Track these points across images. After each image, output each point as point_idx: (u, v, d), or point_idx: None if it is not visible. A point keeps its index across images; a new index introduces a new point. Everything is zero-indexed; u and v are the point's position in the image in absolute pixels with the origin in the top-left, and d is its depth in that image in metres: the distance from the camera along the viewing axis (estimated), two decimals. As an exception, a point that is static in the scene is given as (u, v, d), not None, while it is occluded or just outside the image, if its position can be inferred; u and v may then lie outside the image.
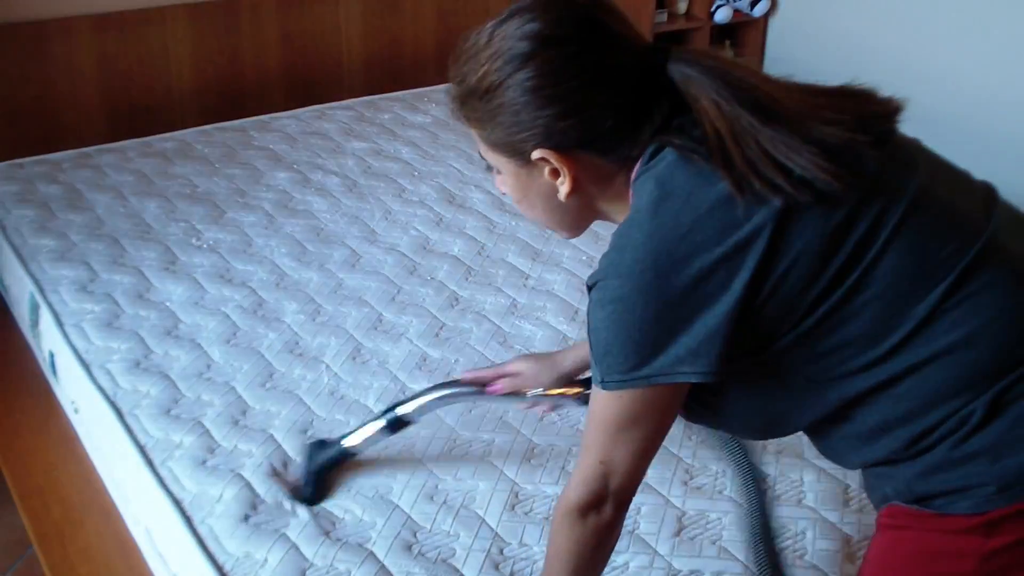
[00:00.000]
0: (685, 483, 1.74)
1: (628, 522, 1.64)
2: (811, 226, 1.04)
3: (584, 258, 2.48)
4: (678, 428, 1.88)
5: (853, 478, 1.74)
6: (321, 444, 1.72)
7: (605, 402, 1.11)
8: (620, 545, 1.60)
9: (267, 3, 3.45)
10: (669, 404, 1.12)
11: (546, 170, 1.13)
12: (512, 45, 1.08)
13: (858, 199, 1.05)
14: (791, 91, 1.10)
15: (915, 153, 1.14)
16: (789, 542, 1.62)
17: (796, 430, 1.20)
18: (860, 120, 1.08)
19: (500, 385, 1.62)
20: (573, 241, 2.56)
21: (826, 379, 1.11)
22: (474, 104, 1.13)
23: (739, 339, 1.06)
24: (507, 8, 1.10)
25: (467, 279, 2.38)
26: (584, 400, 1.59)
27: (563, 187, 1.13)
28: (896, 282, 1.06)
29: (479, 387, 1.64)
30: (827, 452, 1.23)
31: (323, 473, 1.70)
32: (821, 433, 1.20)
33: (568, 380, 1.62)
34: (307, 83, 3.60)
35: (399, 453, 1.81)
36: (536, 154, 1.11)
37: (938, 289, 1.06)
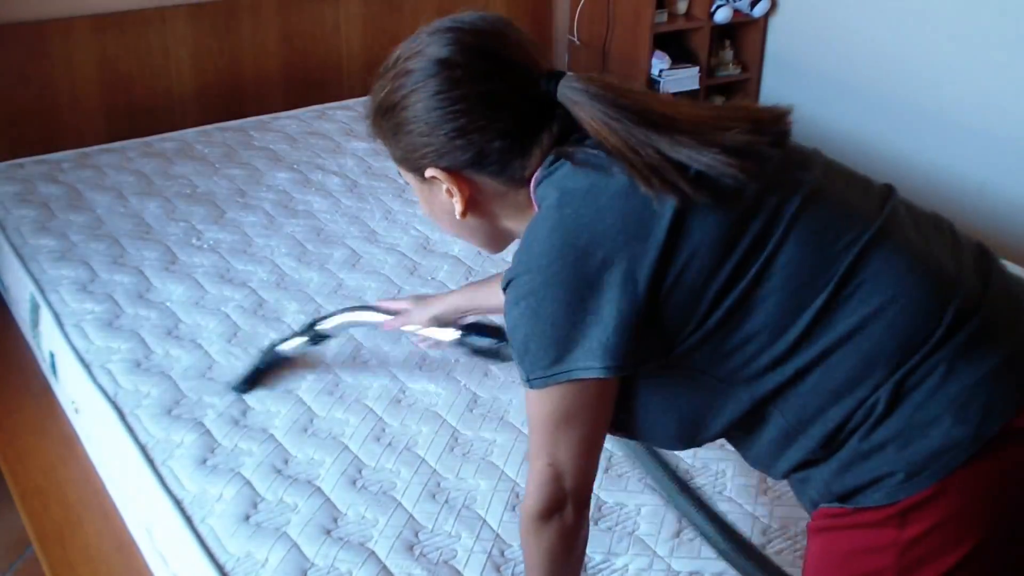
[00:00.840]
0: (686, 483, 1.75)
1: (628, 523, 1.65)
2: (711, 218, 1.07)
3: (584, 258, 2.48)
4: (678, 428, 1.88)
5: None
6: (267, 350, 2.01)
7: (536, 402, 1.13)
8: (619, 547, 1.61)
9: (267, 3, 3.45)
10: (599, 396, 1.13)
11: (443, 188, 1.17)
12: (412, 67, 1.14)
13: (756, 194, 1.09)
14: (684, 106, 1.13)
15: (811, 154, 1.18)
16: (788, 543, 1.62)
17: (714, 435, 1.19)
18: (755, 124, 1.11)
19: (390, 321, 1.85)
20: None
21: (736, 378, 1.12)
22: (379, 121, 1.19)
23: (647, 337, 1.09)
24: (419, 31, 1.18)
25: (467, 279, 2.38)
26: (459, 343, 1.84)
27: (457, 206, 1.18)
28: (795, 273, 1.08)
29: (385, 315, 1.86)
30: (755, 463, 1.23)
31: (258, 372, 1.99)
32: (742, 441, 1.21)
33: (438, 322, 1.81)
34: (307, 83, 3.60)
35: (402, 450, 1.81)
36: (429, 173, 1.16)
37: (834, 278, 1.08)
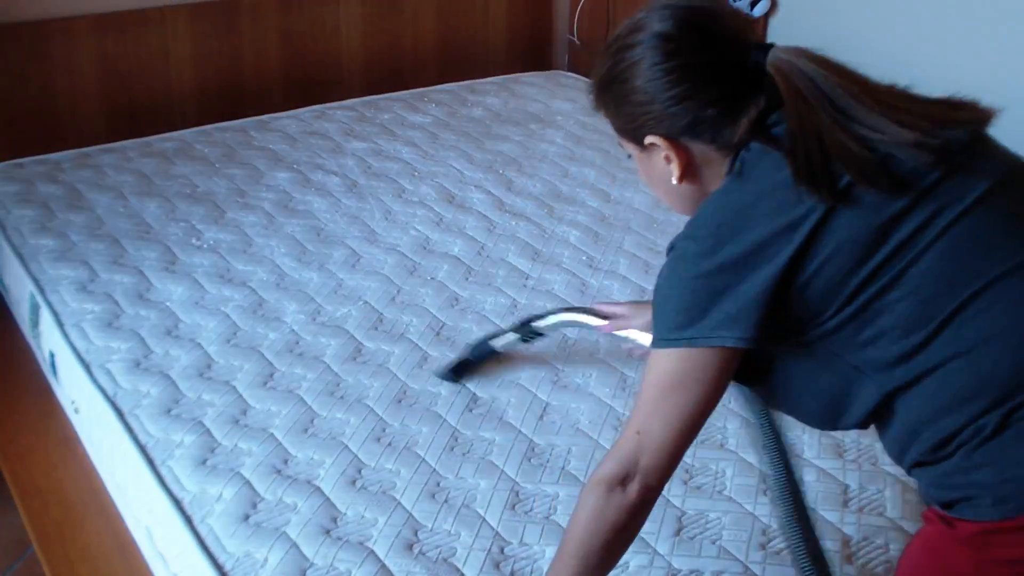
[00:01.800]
0: (685, 483, 1.74)
1: (628, 522, 1.65)
2: (858, 219, 1.12)
3: (584, 258, 2.48)
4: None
5: (852, 479, 1.74)
6: (479, 343, 2.03)
7: (654, 364, 1.19)
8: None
9: (267, 3, 3.45)
10: (712, 375, 1.17)
11: (660, 155, 1.25)
12: (634, 41, 1.22)
13: (911, 201, 1.12)
14: (878, 93, 1.17)
15: (997, 161, 1.20)
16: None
17: (856, 422, 1.23)
18: (940, 125, 1.15)
19: (608, 325, 1.86)
20: (573, 241, 2.56)
21: (868, 367, 1.16)
22: (602, 95, 1.28)
23: (782, 316, 1.14)
24: (638, 11, 1.25)
25: (467, 279, 2.38)
26: None
27: (674, 170, 1.24)
28: (932, 282, 1.11)
29: (600, 320, 1.86)
30: (889, 453, 1.26)
31: (467, 363, 2.01)
32: (880, 431, 1.24)
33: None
34: (307, 83, 3.60)
35: (401, 450, 1.81)
36: (648, 140, 1.24)
37: (969, 291, 1.11)
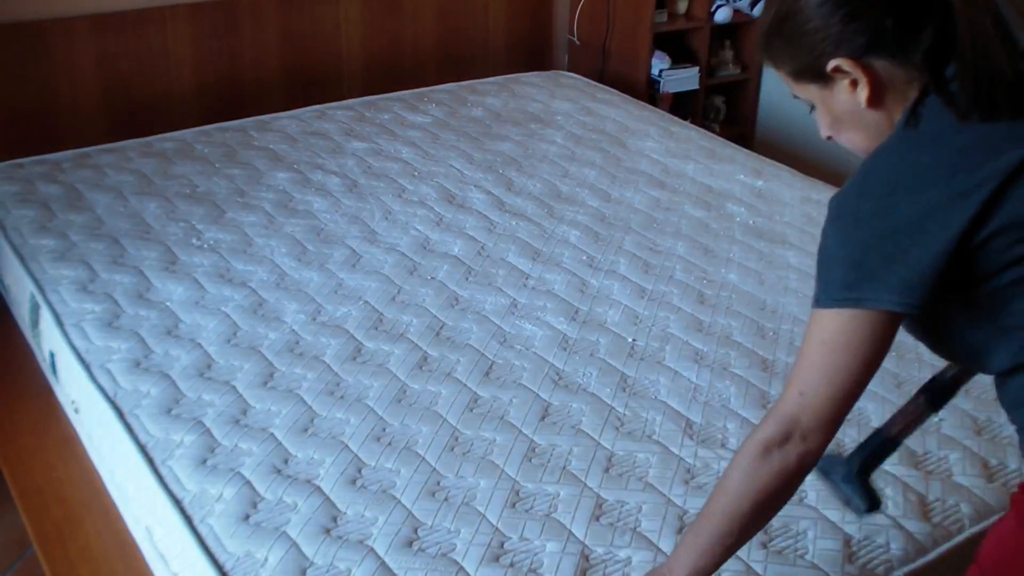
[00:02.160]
0: (686, 482, 1.74)
1: (629, 520, 1.65)
2: None
3: (584, 258, 2.48)
4: (677, 427, 1.88)
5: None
6: (841, 459, 1.52)
7: (817, 324, 1.17)
8: (622, 540, 1.60)
9: (267, 3, 3.45)
10: (876, 337, 1.15)
11: (845, 83, 1.19)
12: None
13: None
14: None
15: None
16: (790, 541, 1.62)
17: (991, 368, 1.22)
18: None
19: None
20: (573, 241, 2.56)
21: (1014, 331, 1.16)
22: (773, 42, 1.23)
23: (944, 282, 1.12)
24: None
25: (467, 279, 2.38)
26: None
27: (862, 94, 1.19)
28: None
29: None
30: (1005, 402, 1.26)
31: (865, 475, 1.50)
32: (1004, 383, 1.23)
33: None
34: (307, 83, 3.60)
35: (401, 450, 1.81)
36: (831, 65, 1.18)
37: None
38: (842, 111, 1.23)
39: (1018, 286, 1.13)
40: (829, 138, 1.27)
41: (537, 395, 1.97)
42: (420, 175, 2.92)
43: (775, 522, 1.64)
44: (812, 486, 1.72)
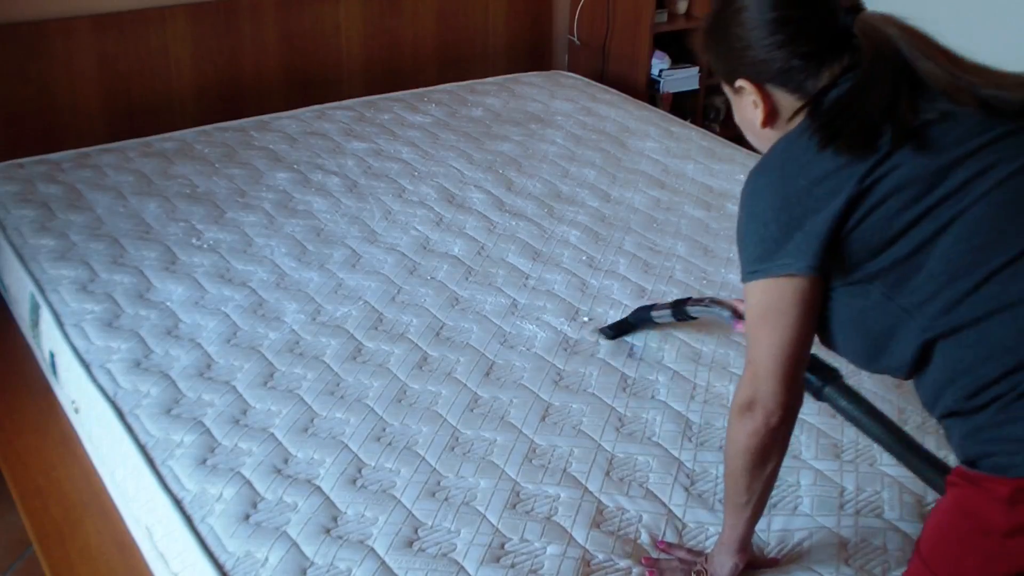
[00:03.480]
0: (686, 488, 1.74)
1: (630, 531, 1.64)
2: (920, 158, 1.19)
3: (584, 258, 2.48)
4: (677, 428, 1.88)
5: (849, 480, 1.74)
6: (641, 310, 2.16)
7: (747, 296, 1.30)
8: (624, 549, 1.60)
9: (267, 3, 3.45)
10: (794, 303, 1.25)
11: (749, 99, 1.35)
12: None
13: (972, 149, 1.19)
14: (958, 60, 1.25)
15: None
16: (787, 544, 1.62)
17: (897, 364, 1.27)
18: (1011, 90, 1.21)
19: (741, 324, 1.85)
20: (573, 241, 2.56)
21: (916, 312, 1.21)
22: (710, 38, 1.38)
23: (839, 252, 1.23)
24: None
25: (467, 279, 2.38)
26: None
27: (758, 115, 1.35)
28: (984, 230, 1.16)
29: (735, 313, 1.94)
30: (924, 402, 1.29)
31: (627, 324, 2.17)
32: (917, 377, 1.28)
33: None
34: (307, 83, 3.60)
35: (402, 450, 1.81)
36: (738, 83, 1.34)
37: (1020, 244, 1.15)
38: (744, 119, 1.39)
39: (914, 257, 1.19)
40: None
41: (537, 395, 1.97)
42: (420, 175, 2.92)
43: (771, 540, 1.64)
44: (809, 491, 1.72)
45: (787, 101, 1.32)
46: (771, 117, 1.34)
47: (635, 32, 3.96)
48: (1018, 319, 1.14)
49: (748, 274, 1.28)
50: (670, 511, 1.69)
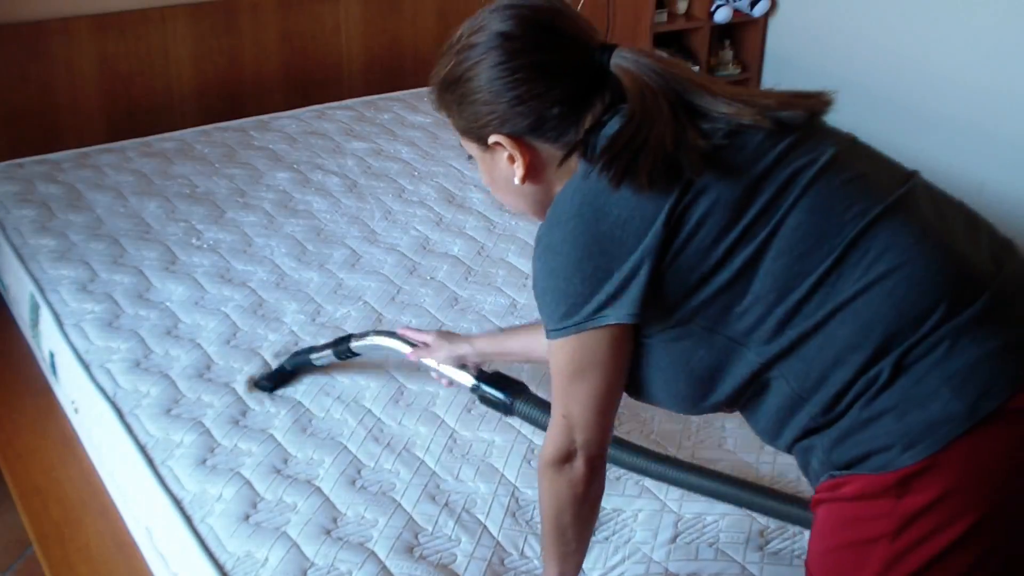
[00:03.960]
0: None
1: (624, 531, 1.65)
2: (724, 182, 1.14)
3: (584, 258, 2.48)
4: (677, 427, 1.88)
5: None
6: (298, 354, 2.02)
7: (554, 353, 1.22)
8: (616, 556, 1.60)
9: (267, 3, 3.45)
10: (610, 353, 1.19)
11: (504, 155, 1.24)
12: (476, 41, 1.21)
13: (772, 163, 1.15)
14: (722, 84, 1.21)
15: (839, 133, 1.24)
16: (787, 543, 1.62)
17: (724, 400, 1.22)
18: (790, 100, 1.19)
19: (413, 352, 1.86)
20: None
21: (745, 339, 1.16)
22: (444, 94, 1.27)
23: (658, 291, 1.15)
24: (478, 11, 1.25)
25: (467, 279, 2.39)
26: (472, 389, 1.80)
27: (518, 171, 1.24)
28: (802, 238, 1.13)
29: (408, 347, 1.88)
30: (763, 433, 1.26)
31: (284, 373, 2.01)
32: (751, 409, 1.24)
33: (460, 362, 1.81)
34: (307, 83, 3.60)
35: (400, 451, 1.81)
36: (492, 139, 1.23)
37: (840, 245, 1.12)
38: (500, 177, 1.28)
39: (736, 283, 1.14)
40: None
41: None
42: (420, 175, 2.93)
43: (771, 524, 1.64)
44: (807, 488, 1.72)
45: (548, 151, 1.23)
46: (532, 171, 1.24)
47: (635, 32, 3.96)
48: (857, 314, 1.11)
49: (554, 332, 1.19)
50: (664, 505, 1.69)
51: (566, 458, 1.26)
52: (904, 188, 1.18)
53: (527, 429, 1.87)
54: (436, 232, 2.60)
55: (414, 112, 3.38)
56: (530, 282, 2.35)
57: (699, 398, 1.24)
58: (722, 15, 4.03)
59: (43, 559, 1.95)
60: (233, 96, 3.46)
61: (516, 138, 1.22)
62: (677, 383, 1.24)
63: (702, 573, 1.56)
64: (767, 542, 1.62)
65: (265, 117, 3.31)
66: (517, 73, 1.18)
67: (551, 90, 1.19)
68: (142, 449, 1.85)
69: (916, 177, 1.22)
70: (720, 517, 1.66)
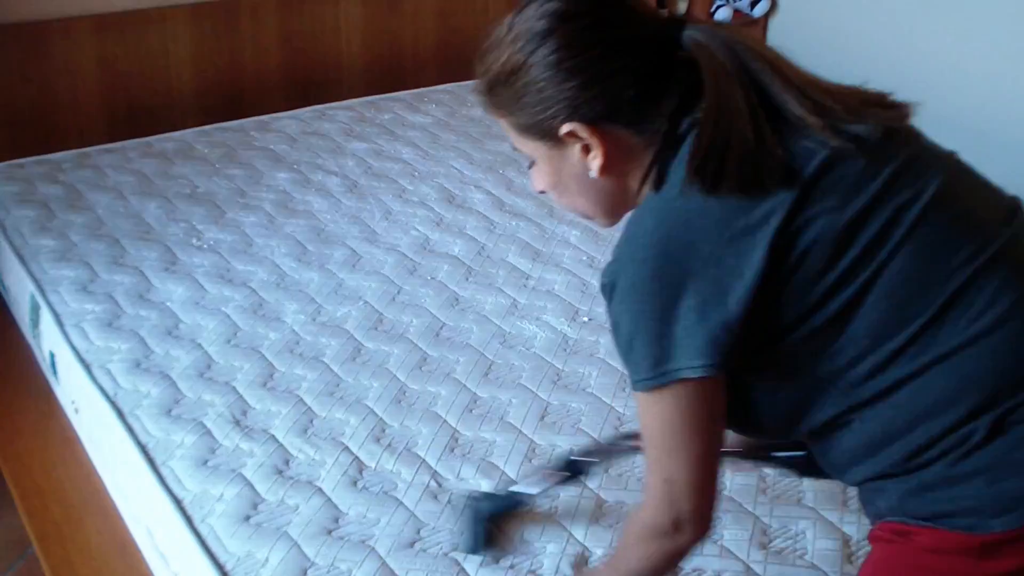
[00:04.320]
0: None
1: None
2: (826, 216, 1.04)
3: (584, 258, 2.48)
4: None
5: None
6: (487, 496, 1.66)
7: (647, 408, 1.11)
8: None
9: (267, 3, 3.45)
10: (710, 397, 1.09)
11: (576, 148, 1.13)
12: (531, 26, 1.10)
13: (877, 193, 1.06)
14: (791, 68, 1.12)
15: (943, 157, 1.15)
16: (789, 542, 1.62)
17: (807, 432, 1.17)
18: (855, 116, 1.10)
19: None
20: (573, 241, 2.56)
21: (838, 380, 1.09)
22: (500, 91, 1.15)
23: (752, 332, 1.06)
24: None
25: (467, 279, 2.38)
26: (763, 461, 1.57)
27: (595, 162, 1.13)
28: (905, 283, 1.06)
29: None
30: (830, 466, 1.21)
31: (487, 523, 1.60)
32: (826, 441, 1.17)
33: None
34: (307, 83, 3.60)
35: (402, 451, 1.81)
36: (565, 129, 1.11)
37: (943, 295, 1.05)
38: (570, 175, 1.16)
39: (835, 324, 1.06)
40: (542, 192, 1.22)
41: (536, 395, 1.97)
42: (420, 175, 2.92)
43: (774, 523, 1.64)
44: (810, 487, 1.72)
45: (627, 139, 1.12)
46: (612, 161, 1.12)
47: (635, 32, 3.96)
48: (957, 369, 1.05)
49: (645, 383, 1.07)
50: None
51: (671, 529, 1.13)
52: (1009, 230, 1.10)
53: (527, 429, 1.87)
54: (436, 232, 2.60)
55: (414, 112, 3.38)
56: (531, 282, 2.36)
57: (779, 433, 1.19)
58: (722, 15, 4.03)
59: (43, 559, 1.95)
60: (233, 96, 3.46)
61: (591, 125, 1.11)
62: (759, 419, 1.17)
63: (707, 569, 1.56)
64: (769, 540, 1.62)
65: (265, 117, 3.30)
66: (583, 53, 1.09)
67: (622, 69, 1.09)
68: (143, 449, 1.85)
69: (1021, 212, 1.15)
70: (723, 514, 1.66)
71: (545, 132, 1.13)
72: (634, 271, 1.07)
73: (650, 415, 1.11)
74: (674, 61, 1.10)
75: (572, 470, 1.62)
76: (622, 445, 1.64)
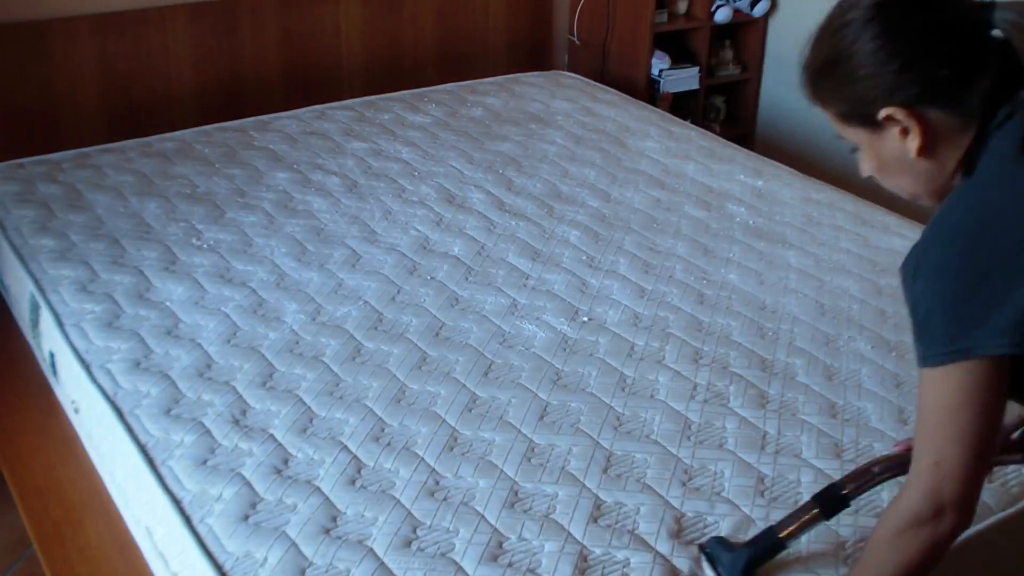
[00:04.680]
0: (684, 483, 1.75)
1: (627, 523, 1.65)
2: None
3: (584, 258, 2.48)
4: (676, 427, 1.88)
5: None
6: (725, 542, 1.55)
7: (931, 385, 1.13)
8: (619, 542, 1.61)
9: (267, 3, 3.45)
10: (993, 384, 1.10)
11: (895, 131, 1.18)
12: (850, 18, 1.18)
13: None
14: None
15: None
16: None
17: None
18: None
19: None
20: (573, 241, 2.56)
21: None
22: (822, 82, 1.23)
23: None
24: None
25: (467, 279, 2.39)
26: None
27: (912, 144, 1.18)
28: None
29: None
30: None
31: (749, 571, 1.51)
32: None
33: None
34: (307, 83, 3.60)
35: (400, 450, 1.81)
36: (883, 113, 1.17)
37: None
38: (890, 158, 1.22)
39: None
40: (870, 176, 1.26)
41: (536, 395, 1.97)
42: (420, 175, 2.93)
43: (773, 523, 1.64)
44: (809, 488, 1.72)
45: (943, 121, 1.16)
46: (930, 143, 1.17)
47: (635, 32, 3.96)
48: None
49: (939, 356, 1.10)
50: (666, 503, 1.69)
51: (935, 514, 1.13)
52: None
53: (527, 428, 1.87)
54: (436, 232, 2.60)
55: (414, 112, 3.38)
56: (530, 282, 2.36)
57: None
58: (722, 15, 4.03)
59: (43, 559, 1.95)
60: (233, 96, 3.46)
61: (908, 107, 1.16)
62: None
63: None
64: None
65: (265, 117, 3.31)
66: (900, 38, 1.14)
67: (937, 51, 1.13)
68: (142, 449, 1.85)
69: None
70: (720, 518, 1.66)
71: (865, 118, 1.19)
72: (942, 253, 1.12)
73: (933, 392, 1.12)
74: (986, 42, 1.14)
75: (833, 505, 1.52)
76: (884, 471, 1.52)
